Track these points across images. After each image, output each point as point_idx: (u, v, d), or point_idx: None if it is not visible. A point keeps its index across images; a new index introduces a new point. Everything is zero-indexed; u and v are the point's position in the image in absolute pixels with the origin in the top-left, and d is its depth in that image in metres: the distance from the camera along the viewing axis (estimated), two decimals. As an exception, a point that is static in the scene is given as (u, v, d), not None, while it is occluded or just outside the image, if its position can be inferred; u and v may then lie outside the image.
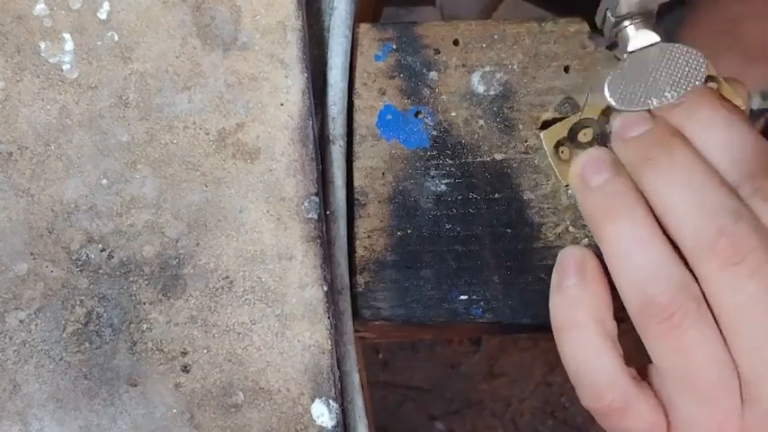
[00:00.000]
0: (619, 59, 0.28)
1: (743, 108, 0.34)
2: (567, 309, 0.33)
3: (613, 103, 0.27)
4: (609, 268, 0.32)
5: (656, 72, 0.27)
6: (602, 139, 0.35)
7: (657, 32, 0.27)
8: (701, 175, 0.31)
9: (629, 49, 0.27)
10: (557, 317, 0.34)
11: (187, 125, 0.34)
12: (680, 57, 0.27)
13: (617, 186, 0.33)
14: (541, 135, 0.36)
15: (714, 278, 0.30)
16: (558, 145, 0.35)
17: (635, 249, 0.32)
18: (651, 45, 0.27)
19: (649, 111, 0.33)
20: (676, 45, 0.26)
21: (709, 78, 0.34)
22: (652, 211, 0.32)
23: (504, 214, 0.36)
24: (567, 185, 0.36)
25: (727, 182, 0.31)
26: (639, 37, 0.27)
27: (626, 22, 0.27)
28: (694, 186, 0.31)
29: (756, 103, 0.35)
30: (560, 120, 0.36)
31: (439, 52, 0.37)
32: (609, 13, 0.27)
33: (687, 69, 0.27)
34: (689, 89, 0.27)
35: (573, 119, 0.35)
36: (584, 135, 0.35)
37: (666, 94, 0.27)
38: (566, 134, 0.35)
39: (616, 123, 0.34)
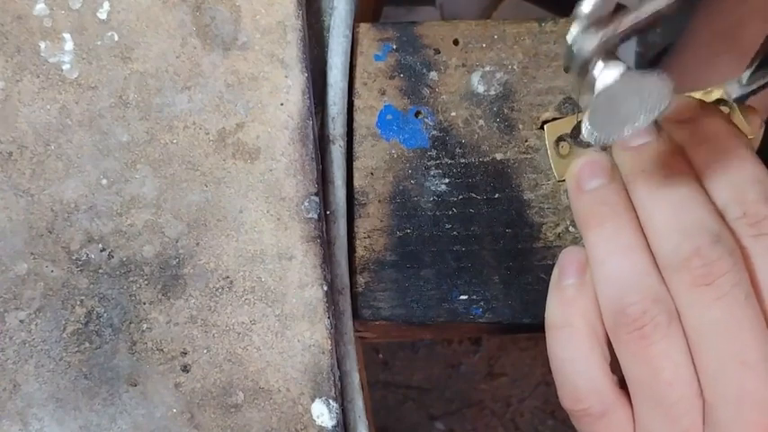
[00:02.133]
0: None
1: (751, 136, 0.34)
2: (562, 308, 0.33)
3: (592, 141, 0.27)
4: (592, 272, 0.33)
5: (627, 102, 0.27)
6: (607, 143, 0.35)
7: (620, 63, 0.27)
8: (689, 195, 0.32)
9: (597, 89, 0.27)
10: (551, 314, 0.34)
11: (187, 125, 0.34)
12: (646, 81, 0.26)
13: (609, 193, 0.33)
14: (545, 127, 0.36)
15: (683, 295, 0.31)
16: (559, 140, 0.35)
17: (615, 257, 0.32)
18: (616, 80, 0.27)
19: (655, 125, 0.33)
20: (639, 72, 0.27)
21: (721, 102, 0.34)
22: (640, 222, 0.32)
23: (504, 214, 0.36)
24: (561, 180, 0.36)
25: (716, 204, 0.32)
26: (604, 75, 0.27)
27: (590, 65, 0.28)
28: (680, 204, 0.31)
29: (735, 92, 0.36)
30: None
31: (439, 52, 0.37)
32: (573, 63, 0.28)
33: (656, 91, 0.26)
34: (659, 111, 0.27)
35: (578, 116, 0.35)
36: None
37: (641, 118, 0.26)
38: (569, 130, 0.35)
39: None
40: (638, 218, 0.32)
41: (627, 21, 0.26)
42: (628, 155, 0.33)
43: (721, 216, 0.31)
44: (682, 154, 0.33)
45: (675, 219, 0.31)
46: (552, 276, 0.34)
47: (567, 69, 0.29)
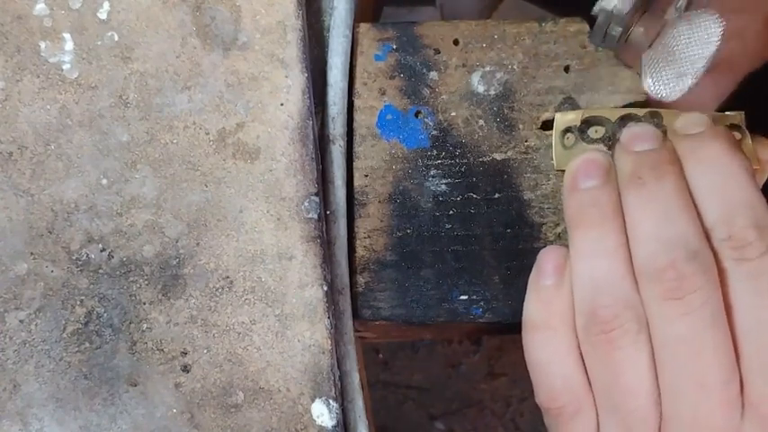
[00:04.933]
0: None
1: (756, 166, 0.34)
2: (541, 309, 0.34)
3: (657, 95, 0.28)
4: (571, 271, 0.33)
5: (683, 48, 0.28)
6: (612, 144, 0.35)
7: (659, 17, 0.29)
8: (677, 209, 0.32)
9: (649, 42, 0.29)
10: (529, 315, 0.34)
11: (187, 125, 0.34)
12: (698, 24, 0.28)
13: (601, 196, 0.33)
14: (555, 115, 0.36)
15: (653, 306, 0.31)
16: (566, 131, 0.35)
17: (595, 260, 0.32)
18: (665, 27, 0.28)
19: (664, 132, 0.33)
20: (687, 18, 0.28)
21: (734, 127, 0.35)
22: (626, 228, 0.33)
23: (505, 214, 0.36)
24: (560, 170, 0.36)
25: (705, 222, 0.32)
26: (649, 31, 0.29)
27: (632, 29, 0.29)
28: (666, 217, 0.32)
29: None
30: None
31: (439, 52, 0.37)
32: (613, 25, 0.30)
33: (707, 33, 0.28)
34: (714, 48, 0.28)
35: (590, 111, 0.35)
36: (596, 132, 0.35)
37: (701, 63, 0.28)
38: (578, 123, 0.35)
39: (625, 132, 0.34)
40: (625, 223, 0.33)
41: None
42: (629, 159, 0.33)
43: (707, 235, 0.31)
44: (681, 167, 0.33)
45: (657, 230, 0.31)
46: (531, 275, 0.34)
47: (598, 42, 0.30)
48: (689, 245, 0.31)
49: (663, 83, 0.29)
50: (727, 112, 0.35)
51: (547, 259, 0.34)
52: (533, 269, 0.34)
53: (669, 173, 0.32)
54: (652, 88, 0.29)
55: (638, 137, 0.33)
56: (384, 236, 0.36)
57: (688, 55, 0.28)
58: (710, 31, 0.28)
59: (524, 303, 0.34)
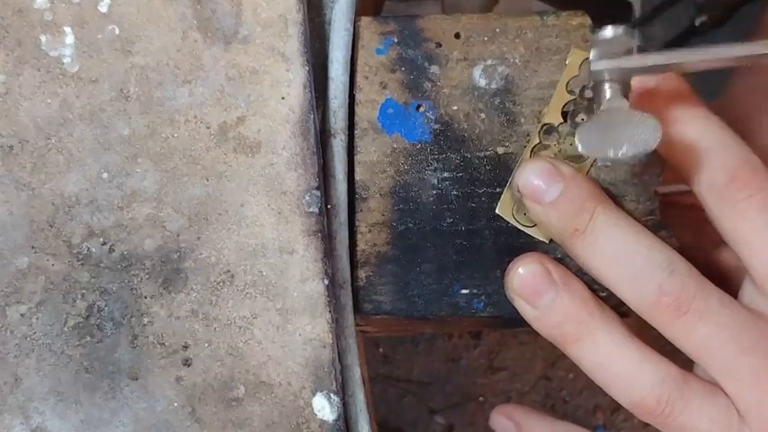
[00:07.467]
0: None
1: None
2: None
3: (579, 147, 0.30)
4: (590, 375, 0.33)
5: (620, 129, 0.30)
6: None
7: (627, 100, 0.30)
8: (624, 239, 0.32)
9: (603, 106, 0.31)
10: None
11: (188, 119, 0.34)
12: (641, 122, 0.29)
13: (563, 305, 0.33)
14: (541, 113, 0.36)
15: (668, 329, 0.32)
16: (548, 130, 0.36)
17: (607, 365, 0.33)
18: (620, 108, 0.30)
19: (560, 171, 0.33)
20: (642, 113, 0.30)
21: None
22: None
23: (506, 208, 0.36)
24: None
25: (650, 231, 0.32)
26: (613, 99, 0.30)
27: (605, 85, 0.31)
28: (622, 254, 0.32)
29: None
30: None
31: (440, 46, 0.36)
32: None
33: (644, 134, 0.29)
34: (642, 150, 0.29)
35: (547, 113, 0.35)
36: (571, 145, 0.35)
37: (624, 149, 0.29)
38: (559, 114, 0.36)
39: (523, 179, 0.34)
40: (600, 309, 0.33)
41: (634, 62, 0.30)
42: (551, 214, 0.33)
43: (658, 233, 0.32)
44: (599, 195, 0.33)
45: (624, 270, 0.32)
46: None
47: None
48: (660, 262, 0.31)
49: (586, 141, 0.30)
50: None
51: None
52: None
53: (594, 208, 0.32)
54: (577, 137, 0.30)
55: (540, 184, 0.33)
56: (385, 230, 0.36)
57: (620, 138, 0.30)
58: (650, 136, 0.29)
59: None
